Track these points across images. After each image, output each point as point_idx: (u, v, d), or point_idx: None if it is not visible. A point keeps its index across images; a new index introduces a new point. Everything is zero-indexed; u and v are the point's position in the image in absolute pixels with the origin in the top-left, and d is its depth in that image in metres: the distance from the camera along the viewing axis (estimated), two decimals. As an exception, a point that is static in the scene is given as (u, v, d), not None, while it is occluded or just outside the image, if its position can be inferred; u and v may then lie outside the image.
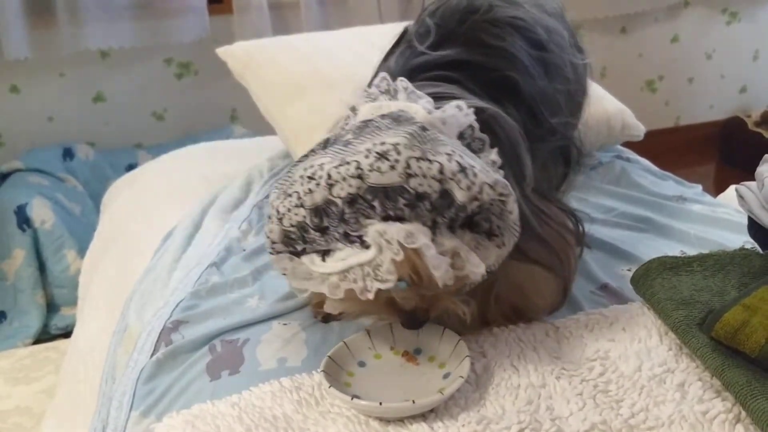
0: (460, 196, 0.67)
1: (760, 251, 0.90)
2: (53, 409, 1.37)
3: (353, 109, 0.81)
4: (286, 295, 0.96)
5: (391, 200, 0.67)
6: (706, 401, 0.70)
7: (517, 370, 0.76)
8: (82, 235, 2.00)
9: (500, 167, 0.75)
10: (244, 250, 1.12)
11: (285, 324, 0.89)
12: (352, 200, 0.68)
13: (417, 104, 0.75)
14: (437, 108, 0.75)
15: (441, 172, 0.66)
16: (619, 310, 0.86)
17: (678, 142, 2.97)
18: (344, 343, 0.79)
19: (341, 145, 0.70)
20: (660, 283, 0.85)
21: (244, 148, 1.70)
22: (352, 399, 0.70)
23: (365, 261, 0.68)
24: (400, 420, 0.70)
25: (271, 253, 0.76)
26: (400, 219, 0.68)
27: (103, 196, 1.79)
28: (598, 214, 1.18)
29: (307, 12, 2.38)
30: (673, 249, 1.03)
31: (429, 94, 0.78)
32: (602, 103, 1.43)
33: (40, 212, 2.02)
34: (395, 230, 0.67)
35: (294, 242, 0.73)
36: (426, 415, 0.71)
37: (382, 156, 0.66)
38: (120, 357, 0.99)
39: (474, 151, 0.74)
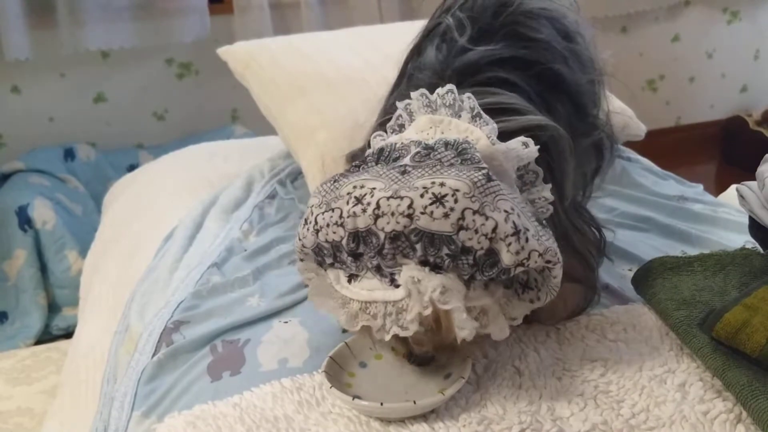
0: (506, 259, 0.64)
1: (761, 251, 0.90)
2: (54, 409, 1.37)
3: (409, 112, 0.78)
4: (286, 291, 0.96)
5: (434, 247, 0.64)
6: (707, 401, 0.70)
7: (518, 371, 0.76)
8: (83, 236, 2.00)
9: (551, 202, 0.72)
10: (246, 250, 1.12)
11: (286, 322, 0.89)
12: (395, 237, 0.64)
13: (480, 131, 0.72)
14: (501, 137, 0.72)
15: (494, 230, 0.63)
16: (620, 311, 0.86)
17: (679, 142, 2.97)
18: (345, 343, 0.79)
19: (398, 171, 0.66)
20: (661, 283, 0.85)
21: (244, 148, 1.71)
22: (353, 399, 0.70)
23: (391, 300, 0.65)
24: (401, 420, 0.70)
25: (300, 258, 0.73)
26: (438, 266, 0.65)
27: (104, 197, 1.80)
28: (599, 214, 1.17)
29: (308, 12, 2.38)
30: (674, 249, 1.03)
31: (490, 107, 0.75)
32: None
33: (42, 213, 2.03)
34: (431, 283, 0.63)
35: (325, 255, 0.71)
36: (427, 416, 0.71)
37: (439, 200, 0.62)
38: (121, 357, 0.99)
39: (526, 184, 0.72)
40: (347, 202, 0.66)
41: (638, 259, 0.99)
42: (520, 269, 0.65)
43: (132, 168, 2.16)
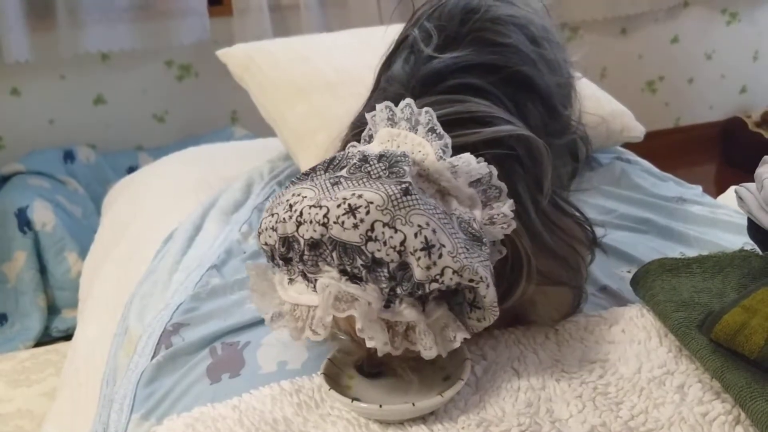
0: (417, 273, 0.64)
1: (760, 253, 0.91)
2: (54, 411, 1.37)
3: (374, 124, 0.80)
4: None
5: (348, 257, 0.65)
6: (705, 403, 0.70)
7: (517, 373, 0.76)
8: (83, 238, 2.00)
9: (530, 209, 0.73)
10: (245, 252, 1.12)
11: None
12: (313, 244, 0.66)
13: (431, 145, 0.72)
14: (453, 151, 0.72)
15: (403, 244, 0.63)
16: (618, 312, 0.86)
17: (678, 143, 2.97)
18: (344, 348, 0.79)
19: (331, 182, 0.68)
20: (660, 285, 0.85)
21: (244, 150, 1.71)
22: (352, 401, 0.70)
23: (310, 305, 0.67)
24: (400, 422, 0.70)
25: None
26: (356, 277, 0.66)
27: (104, 199, 1.80)
28: (599, 215, 1.18)
29: (307, 13, 2.38)
30: (673, 250, 1.03)
31: (456, 117, 0.76)
32: (602, 104, 1.43)
33: (41, 215, 2.03)
34: (336, 289, 0.65)
35: (267, 258, 0.73)
36: (426, 418, 0.71)
37: (352, 211, 0.63)
38: (120, 360, 0.99)
39: (490, 199, 0.72)
40: (283, 209, 0.68)
41: (637, 260, 0.99)
42: (436, 285, 0.65)
43: (132, 170, 2.16)
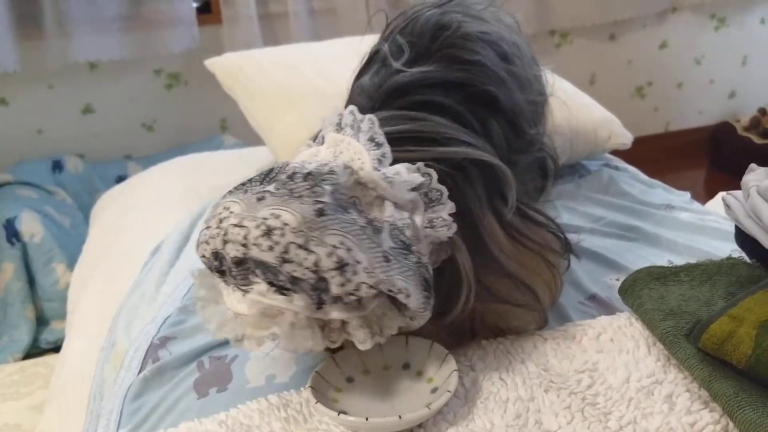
0: (333, 290, 0.65)
1: (747, 260, 0.91)
2: (42, 426, 1.36)
3: (324, 127, 0.81)
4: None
5: (271, 273, 0.67)
6: (694, 412, 0.70)
7: (506, 384, 0.76)
8: (71, 248, 1.99)
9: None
10: (233, 264, 1.11)
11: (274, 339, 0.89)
12: (239, 262, 0.67)
13: (369, 155, 0.74)
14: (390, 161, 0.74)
15: (316, 264, 0.65)
16: (606, 321, 0.86)
17: (668, 148, 2.99)
18: (332, 358, 0.79)
19: (257, 197, 0.69)
20: (647, 294, 0.85)
21: (232, 159, 1.70)
22: (338, 415, 0.70)
23: (243, 313, 0.69)
24: (388, 436, 0.70)
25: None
26: (284, 288, 0.67)
27: (92, 209, 1.79)
28: (587, 223, 1.18)
29: (297, 22, 2.38)
30: (661, 258, 1.03)
31: (412, 136, 0.78)
32: (590, 111, 1.43)
33: (29, 226, 2.02)
34: (259, 307, 0.67)
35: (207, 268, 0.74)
36: (414, 430, 0.70)
37: (268, 233, 0.65)
38: (108, 374, 0.98)
39: (432, 201, 0.74)
40: (214, 223, 0.69)
41: (625, 268, 0.99)
42: (353, 298, 0.66)
43: (120, 179, 2.16)
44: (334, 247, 0.65)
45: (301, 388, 0.77)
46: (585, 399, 0.73)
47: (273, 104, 1.40)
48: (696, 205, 1.28)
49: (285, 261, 0.65)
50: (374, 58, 0.94)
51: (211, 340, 0.90)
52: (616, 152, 1.50)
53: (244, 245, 0.65)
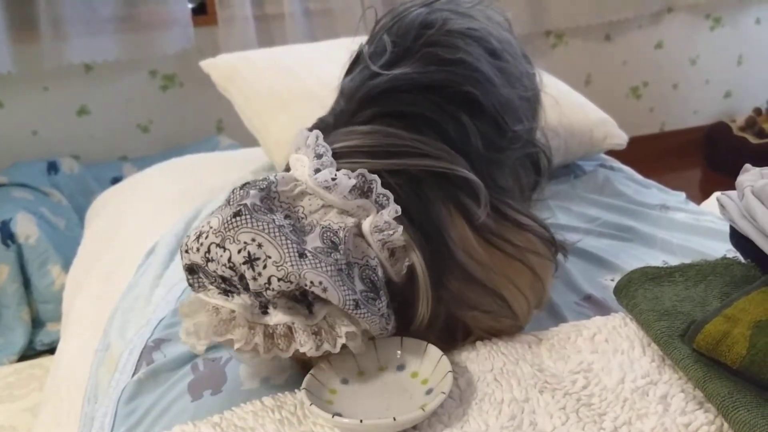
0: (250, 285, 0.70)
1: (742, 261, 0.91)
2: (37, 428, 1.36)
3: (294, 146, 0.85)
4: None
5: (209, 276, 0.73)
6: (688, 413, 0.70)
7: (501, 385, 0.76)
8: (66, 250, 1.98)
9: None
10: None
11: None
12: (190, 269, 0.75)
13: (309, 164, 0.78)
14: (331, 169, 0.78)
15: (230, 260, 0.69)
16: (601, 322, 0.85)
17: (663, 148, 2.99)
18: (327, 360, 0.78)
19: (216, 211, 0.74)
20: (642, 294, 0.85)
21: (227, 160, 1.70)
22: (333, 417, 0.70)
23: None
24: (383, 438, 0.70)
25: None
26: (226, 290, 0.73)
27: (87, 210, 1.78)
28: (582, 223, 1.18)
29: (292, 23, 2.38)
30: (656, 258, 1.03)
31: (376, 151, 0.80)
32: (585, 112, 1.43)
33: (25, 227, 2.01)
34: (215, 319, 0.72)
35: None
36: (408, 432, 0.70)
37: (198, 237, 0.72)
38: (102, 376, 0.98)
39: (382, 206, 0.77)
40: (193, 235, 0.74)
41: (620, 268, 0.99)
42: (271, 293, 0.70)
43: (116, 181, 2.15)
44: (245, 243, 0.69)
45: (296, 390, 0.77)
46: (580, 400, 0.73)
47: (268, 105, 1.40)
48: (691, 205, 1.28)
49: (209, 260, 0.71)
50: (359, 58, 0.94)
51: (205, 342, 0.89)
52: (611, 152, 1.50)
53: (186, 251, 0.73)
